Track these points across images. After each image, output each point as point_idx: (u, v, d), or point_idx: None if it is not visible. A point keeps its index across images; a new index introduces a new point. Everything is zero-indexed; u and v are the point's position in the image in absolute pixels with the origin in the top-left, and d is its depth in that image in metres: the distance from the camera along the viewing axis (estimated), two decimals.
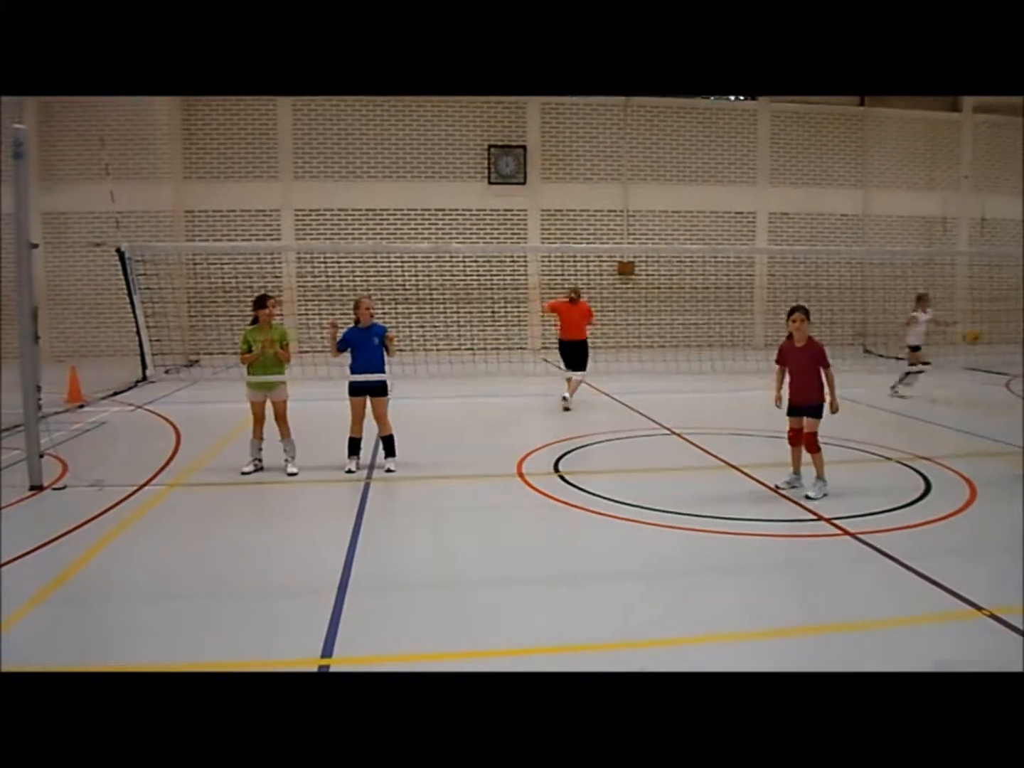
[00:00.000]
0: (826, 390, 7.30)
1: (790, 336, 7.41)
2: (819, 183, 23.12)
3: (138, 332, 9.26)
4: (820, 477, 7.21)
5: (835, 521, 6.48)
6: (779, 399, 7.51)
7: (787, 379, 7.49)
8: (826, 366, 7.24)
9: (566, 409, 12.29)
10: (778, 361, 7.55)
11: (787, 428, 7.49)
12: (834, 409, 7.25)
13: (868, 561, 5.69)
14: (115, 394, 14.23)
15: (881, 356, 19.84)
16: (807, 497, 7.08)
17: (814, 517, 6.64)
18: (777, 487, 7.44)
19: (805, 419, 7.25)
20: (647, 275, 22.14)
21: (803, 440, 7.29)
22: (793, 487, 7.41)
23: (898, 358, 18.89)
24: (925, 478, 7.87)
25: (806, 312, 7.39)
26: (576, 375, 12.68)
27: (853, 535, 6.18)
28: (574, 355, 12.86)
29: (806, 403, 7.24)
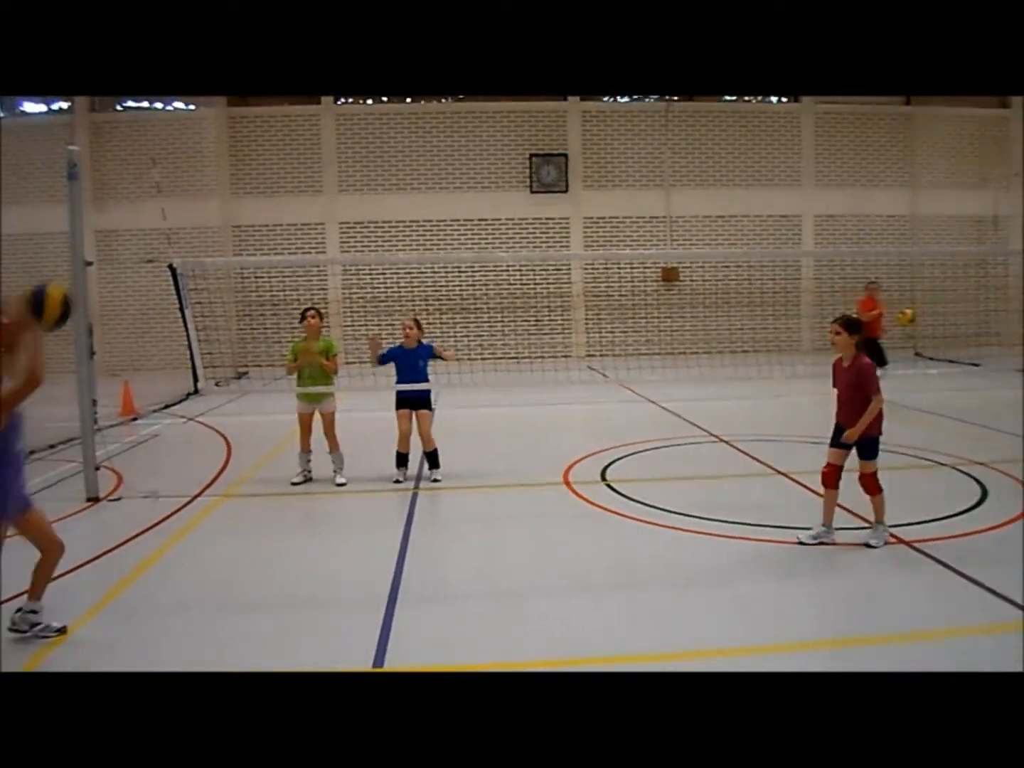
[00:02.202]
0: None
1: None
2: (865, 184, 22.78)
3: (189, 345, 9.44)
4: (880, 520, 6.13)
5: (888, 529, 6.36)
6: (852, 436, 5.98)
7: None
8: (872, 391, 5.90)
9: None
10: (835, 384, 6.30)
11: (824, 463, 6.22)
12: (849, 437, 5.93)
13: (923, 570, 5.57)
14: (167, 407, 14.52)
15: (932, 359, 19.47)
16: (868, 545, 6.02)
17: (867, 525, 6.52)
18: (800, 541, 6.12)
19: (859, 461, 6.06)
20: (691, 281, 21.99)
21: (860, 483, 6.10)
22: (822, 542, 6.11)
23: (950, 360, 18.54)
24: (981, 484, 7.69)
25: (848, 324, 6.11)
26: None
27: (908, 543, 6.05)
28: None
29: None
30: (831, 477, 6.14)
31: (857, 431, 5.89)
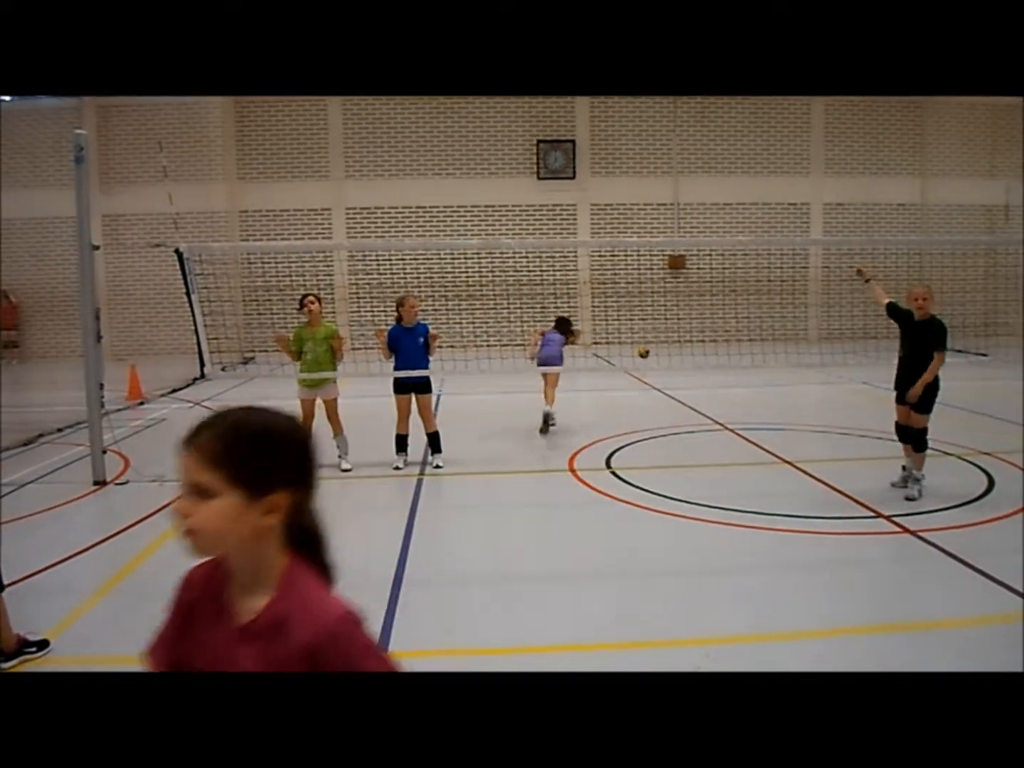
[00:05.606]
0: None
1: None
2: (875, 172, 22.66)
3: (196, 330, 9.44)
4: None
5: (894, 519, 6.36)
6: None
7: None
8: None
9: None
10: None
11: None
12: None
13: (929, 559, 5.57)
14: (174, 391, 14.57)
15: None
16: None
17: (872, 514, 6.52)
18: None
19: None
20: (698, 269, 21.93)
21: None
22: None
23: (957, 350, 18.46)
24: (988, 474, 7.67)
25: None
26: None
27: (913, 533, 6.05)
28: None
29: None
30: None
31: None
